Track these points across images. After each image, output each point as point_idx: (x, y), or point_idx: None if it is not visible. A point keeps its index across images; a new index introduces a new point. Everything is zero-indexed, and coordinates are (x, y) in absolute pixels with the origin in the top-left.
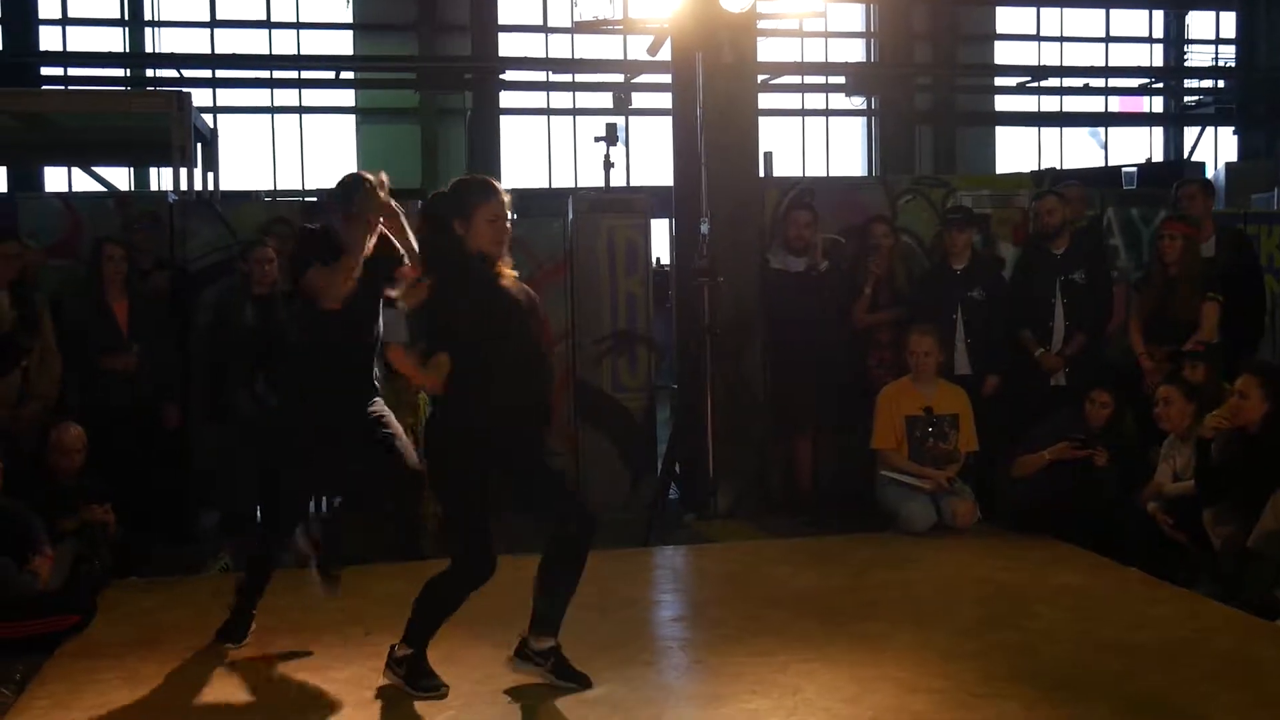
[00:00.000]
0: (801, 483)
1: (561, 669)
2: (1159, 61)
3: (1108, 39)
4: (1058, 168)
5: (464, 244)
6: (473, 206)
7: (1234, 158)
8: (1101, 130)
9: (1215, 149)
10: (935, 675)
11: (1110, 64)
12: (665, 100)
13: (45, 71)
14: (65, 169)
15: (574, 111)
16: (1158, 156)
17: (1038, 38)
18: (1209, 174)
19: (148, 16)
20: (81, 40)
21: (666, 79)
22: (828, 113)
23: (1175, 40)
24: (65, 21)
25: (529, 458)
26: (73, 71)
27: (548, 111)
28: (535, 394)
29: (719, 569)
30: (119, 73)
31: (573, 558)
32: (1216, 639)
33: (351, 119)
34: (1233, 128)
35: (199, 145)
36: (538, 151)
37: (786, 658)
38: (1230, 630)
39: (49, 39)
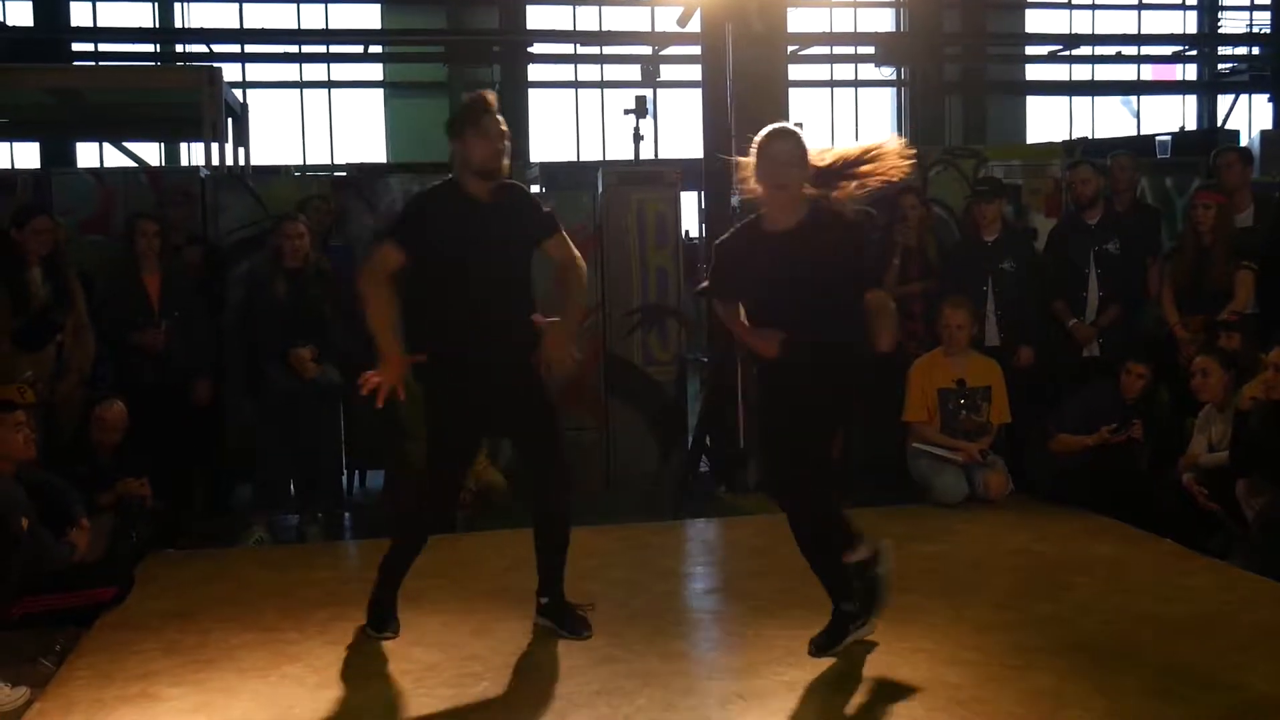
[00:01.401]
0: (833, 455)
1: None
2: (1192, 28)
3: (1140, 5)
4: (1090, 137)
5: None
6: None
7: (1269, 125)
8: (1134, 99)
9: (1250, 116)
10: (969, 647)
11: (1143, 31)
12: (695, 72)
13: (76, 47)
14: (97, 144)
15: (602, 84)
16: (1191, 125)
17: (1069, 5)
18: (1244, 142)
19: None
20: (111, 16)
21: (696, 50)
22: (857, 83)
23: (1209, 6)
24: None
25: None
26: (103, 47)
27: (576, 84)
28: None
29: (751, 541)
30: (149, 48)
31: None
32: (1251, 610)
33: (380, 93)
34: (1268, 95)
35: (229, 120)
36: (566, 124)
37: (820, 630)
38: (1264, 601)
39: (79, 14)
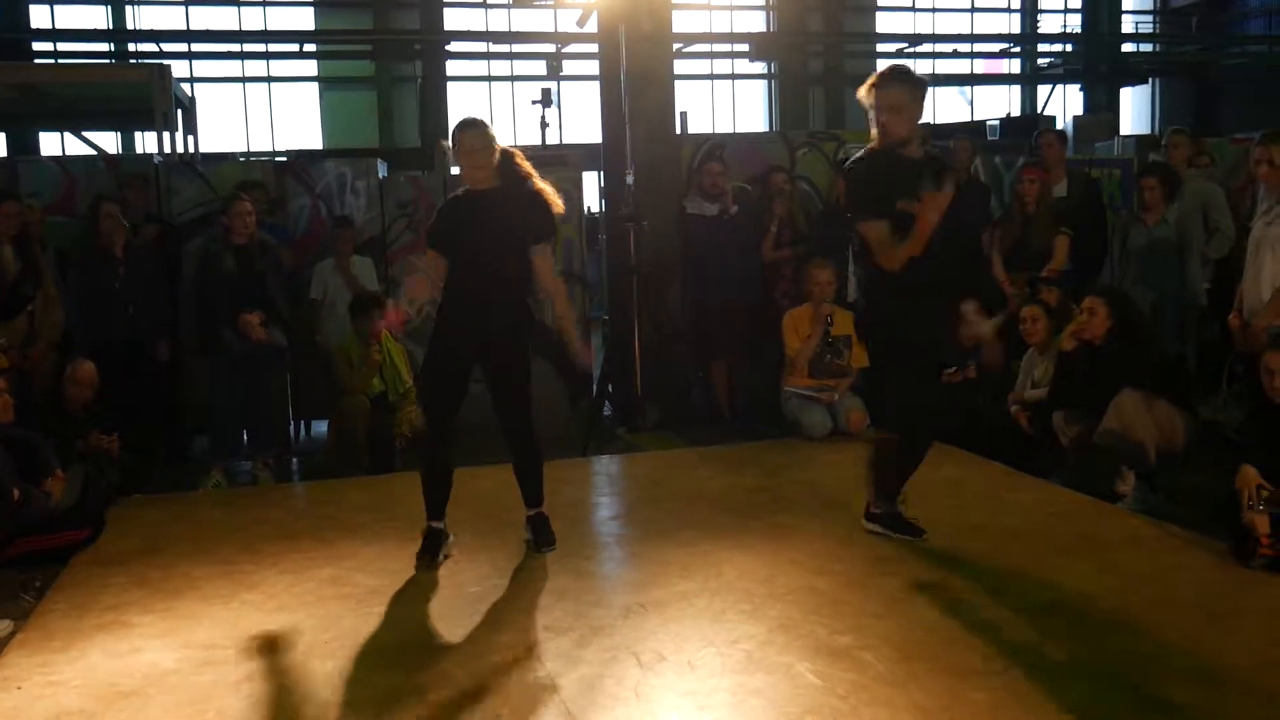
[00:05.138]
0: (718, 398)
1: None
2: (1016, 28)
3: (973, 9)
4: (931, 123)
5: None
6: None
7: (1080, 111)
8: (968, 89)
9: (1064, 104)
10: (835, 559)
11: (975, 31)
12: (593, 67)
13: (36, 46)
14: (58, 134)
15: (512, 78)
16: (1016, 111)
17: (913, 9)
18: (1059, 126)
19: None
20: (68, 18)
21: (594, 48)
22: (734, 76)
23: (1030, 9)
24: (53, 0)
25: None
26: (61, 46)
27: (489, 78)
28: None
29: (648, 474)
30: (104, 47)
31: None
32: (1067, 521)
33: (314, 87)
34: (1079, 85)
35: (179, 112)
36: (481, 113)
37: (709, 547)
38: (1079, 513)
39: (39, 16)
